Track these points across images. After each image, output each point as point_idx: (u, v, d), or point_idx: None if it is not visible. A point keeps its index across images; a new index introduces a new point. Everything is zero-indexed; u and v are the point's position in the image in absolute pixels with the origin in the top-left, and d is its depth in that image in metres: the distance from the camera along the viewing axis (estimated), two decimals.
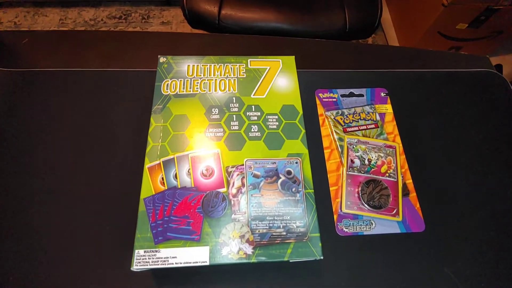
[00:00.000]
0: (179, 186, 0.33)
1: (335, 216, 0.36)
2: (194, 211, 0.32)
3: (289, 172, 0.34)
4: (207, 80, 0.40)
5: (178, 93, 0.38)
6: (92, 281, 0.32)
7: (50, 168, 0.38)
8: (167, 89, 0.39)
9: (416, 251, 0.35)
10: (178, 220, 0.32)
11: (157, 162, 0.34)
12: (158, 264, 0.29)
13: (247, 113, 0.37)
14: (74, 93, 0.42)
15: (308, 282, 0.33)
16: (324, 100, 0.43)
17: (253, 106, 0.38)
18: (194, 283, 0.32)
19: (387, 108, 0.43)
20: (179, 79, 0.40)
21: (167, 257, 0.30)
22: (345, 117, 0.41)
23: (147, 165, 0.33)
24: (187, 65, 0.41)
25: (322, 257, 0.31)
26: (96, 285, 0.32)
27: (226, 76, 0.40)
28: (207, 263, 0.29)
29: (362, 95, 0.43)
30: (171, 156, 0.34)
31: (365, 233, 0.35)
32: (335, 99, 0.43)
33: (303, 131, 0.37)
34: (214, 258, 0.30)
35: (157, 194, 0.32)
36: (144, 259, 0.30)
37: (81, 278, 0.32)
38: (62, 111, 0.42)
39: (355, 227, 0.35)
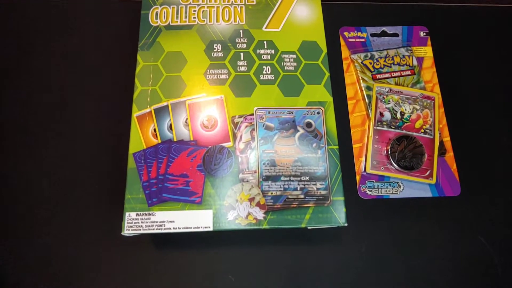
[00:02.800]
0: (175, 139, 0.29)
1: (357, 177, 0.33)
2: (194, 169, 0.28)
3: (309, 124, 0.30)
4: (207, 7, 0.34)
5: (170, 24, 0.33)
6: (80, 246, 0.30)
7: (21, 120, 0.34)
8: (156, 19, 0.33)
9: (448, 218, 0.32)
10: (175, 179, 0.28)
11: (148, 110, 0.30)
12: (153, 229, 0.27)
13: (258, 51, 0.32)
14: (40, 27, 0.37)
15: (326, 251, 0.31)
16: (350, 40, 0.38)
17: (265, 42, 0.33)
18: (195, 251, 0.30)
19: (427, 51, 0.38)
20: (172, 6, 0.33)
21: (163, 221, 0.27)
22: (375, 61, 0.37)
23: (135, 113, 0.30)
24: None
25: (346, 224, 0.28)
26: (85, 250, 0.30)
27: (231, 2, 0.34)
28: (211, 229, 0.27)
29: (396, 35, 0.38)
30: (165, 103, 0.30)
31: (391, 196, 0.32)
32: (363, 39, 0.38)
33: (327, 74, 0.32)
34: (219, 223, 0.27)
35: (148, 148, 0.29)
36: (136, 223, 0.27)
37: (68, 241, 0.30)
38: (26, 49, 0.36)
39: (380, 189, 0.33)
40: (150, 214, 0.27)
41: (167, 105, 0.30)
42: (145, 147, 0.29)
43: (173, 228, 0.27)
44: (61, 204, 0.31)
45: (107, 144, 0.33)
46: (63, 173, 0.32)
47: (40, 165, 0.32)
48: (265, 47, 0.32)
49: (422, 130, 0.33)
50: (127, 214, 0.27)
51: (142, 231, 0.26)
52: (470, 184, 0.33)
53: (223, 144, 0.29)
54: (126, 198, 0.27)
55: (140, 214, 0.27)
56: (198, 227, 0.27)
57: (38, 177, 0.32)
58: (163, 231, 0.26)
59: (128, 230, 0.26)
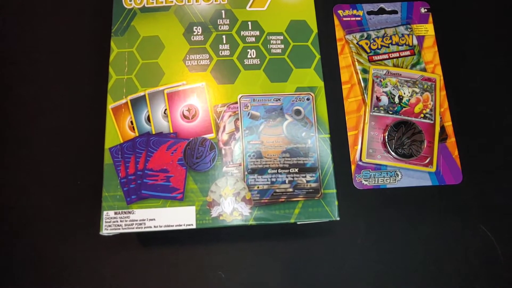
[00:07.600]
0: (153, 132, 0.29)
1: (352, 167, 0.33)
2: (174, 163, 0.28)
3: (298, 112, 0.29)
4: None
5: (145, 6, 0.32)
6: (62, 245, 0.30)
7: None
8: (130, 0, 0.32)
9: (449, 207, 0.32)
10: (155, 175, 0.27)
11: (124, 101, 0.29)
12: (133, 228, 0.26)
13: (242, 33, 0.32)
14: (4, 12, 0.36)
15: (319, 245, 0.30)
16: (344, 19, 0.37)
17: (249, 23, 0.32)
18: (183, 247, 0.30)
19: (428, 29, 0.37)
20: None
21: (144, 220, 0.26)
22: (371, 41, 0.35)
23: (110, 105, 0.29)
24: None
25: (338, 218, 0.27)
26: (66, 249, 0.30)
27: None
28: (194, 226, 0.26)
29: (395, 12, 0.37)
30: (141, 93, 0.29)
31: (388, 186, 0.32)
32: (359, 18, 0.37)
33: (318, 56, 0.31)
34: (202, 220, 0.26)
35: (125, 142, 0.28)
36: (115, 221, 0.26)
37: (49, 240, 0.30)
38: None
39: (376, 179, 0.32)
40: (129, 212, 0.26)
41: (144, 95, 0.29)
42: (121, 141, 0.28)
43: (154, 227, 0.26)
44: (38, 203, 0.31)
45: (81, 139, 0.32)
46: (37, 171, 0.31)
47: (11, 162, 0.32)
48: (250, 28, 0.31)
49: (422, 115, 0.33)
50: (105, 212, 0.26)
51: (121, 230, 0.26)
52: (472, 171, 0.32)
53: (205, 136, 0.29)
54: (103, 195, 0.27)
55: (119, 213, 0.26)
56: (181, 225, 0.26)
57: (12, 175, 0.31)
58: (143, 230, 0.26)
59: (106, 229, 0.26)
